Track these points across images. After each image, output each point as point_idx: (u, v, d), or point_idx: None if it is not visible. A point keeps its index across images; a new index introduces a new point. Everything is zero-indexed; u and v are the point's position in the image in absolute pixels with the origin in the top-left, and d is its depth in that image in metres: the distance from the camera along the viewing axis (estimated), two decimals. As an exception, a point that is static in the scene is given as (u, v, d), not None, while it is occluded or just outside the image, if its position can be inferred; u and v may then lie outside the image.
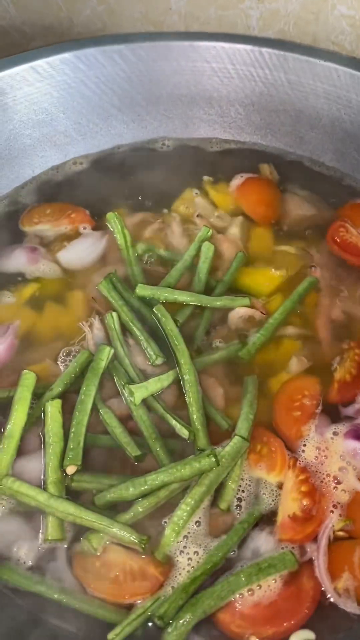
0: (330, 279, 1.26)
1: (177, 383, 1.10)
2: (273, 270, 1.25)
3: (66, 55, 1.37)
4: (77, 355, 1.12)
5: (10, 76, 1.34)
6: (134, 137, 1.50)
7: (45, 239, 1.33)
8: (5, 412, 1.06)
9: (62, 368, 1.13)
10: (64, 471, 1.00)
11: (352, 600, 0.93)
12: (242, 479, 1.02)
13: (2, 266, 1.28)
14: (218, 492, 1.00)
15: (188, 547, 0.95)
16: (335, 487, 1.00)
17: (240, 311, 1.19)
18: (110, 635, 0.89)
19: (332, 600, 0.93)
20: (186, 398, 1.07)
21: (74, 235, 1.33)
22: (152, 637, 0.91)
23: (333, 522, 0.97)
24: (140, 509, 0.97)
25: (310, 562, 0.96)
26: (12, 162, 1.41)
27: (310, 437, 1.05)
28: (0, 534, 0.98)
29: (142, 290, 1.18)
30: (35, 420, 1.06)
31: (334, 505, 0.99)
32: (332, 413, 1.08)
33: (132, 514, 0.96)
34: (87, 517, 0.95)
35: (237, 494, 1.01)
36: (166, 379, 1.09)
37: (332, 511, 0.98)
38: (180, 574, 0.94)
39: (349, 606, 0.92)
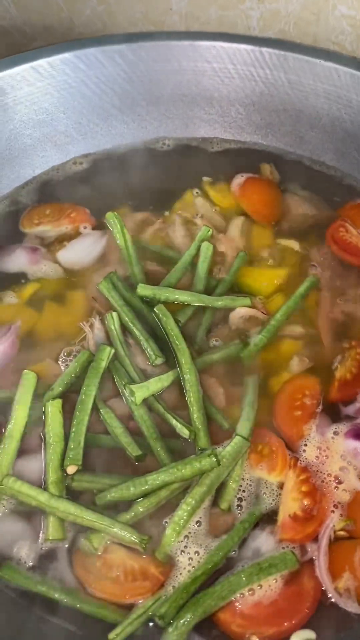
0: (330, 279, 1.26)
1: (178, 383, 1.10)
2: (273, 269, 1.25)
3: (67, 55, 1.36)
4: (78, 355, 1.12)
5: (11, 76, 1.34)
6: (134, 137, 1.50)
7: (46, 239, 1.33)
8: (5, 412, 1.06)
9: (62, 368, 1.13)
10: (65, 471, 1.00)
11: (352, 600, 0.93)
12: (242, 479, 1.02)
13: (3, 266, 1.29)
14: (219, 491, 1.00)
15: (189, 547, 0.95)
16: (336, 487, 1.00)
17: (241, 311, 1.19)
18: (111, 635, 0.89)
19: (332, 600, 0.93)
20: (187, 398, 1.07)
21: (75, 235, 1.33)
22: (152, 637, 0.91)
23: (334, 522, 0.97)
24: (141, 509, 0.97)
25: (311, 561, 0.96)
26: (12, 162, 1.41)
27: (311, 436, 1.05)
28: (1, 534, 0.98)
29: (144, 290, 1.18)
30: (35, 420, 1.06)
31: (334, 505, 0.99)
32: (332, 412, 1.09)
33: (132, 513, 0.96)
34: (88, 517, 0.95)
35: (238, 493, 1.01)
36: (167, 378, 1.09)
37: (332, 511, 0.98)
38: (181, 573, 0.94)
39: (350, 606, 0.92)
